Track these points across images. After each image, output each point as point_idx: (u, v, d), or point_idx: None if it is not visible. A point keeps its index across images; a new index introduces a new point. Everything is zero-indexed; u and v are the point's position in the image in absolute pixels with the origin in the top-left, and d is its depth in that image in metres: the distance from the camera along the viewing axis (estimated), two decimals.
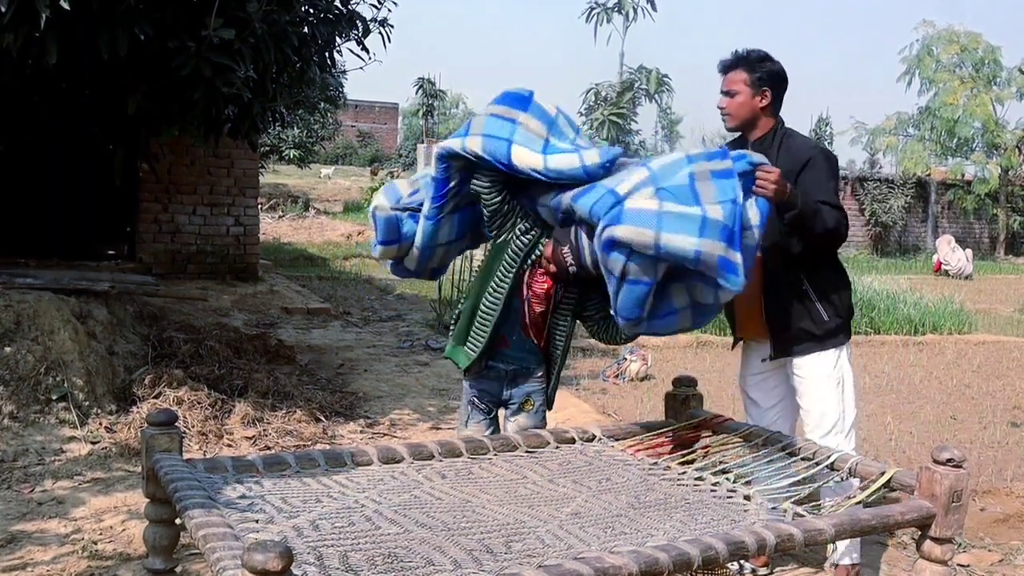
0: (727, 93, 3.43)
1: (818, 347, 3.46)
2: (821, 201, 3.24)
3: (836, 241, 3.38)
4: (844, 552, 3.62)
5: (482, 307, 3.30)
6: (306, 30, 6.00)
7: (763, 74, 3.38)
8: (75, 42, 4.61)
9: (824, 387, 3.49)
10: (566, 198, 2.99)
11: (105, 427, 5.14)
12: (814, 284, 3.43)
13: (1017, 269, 22.45)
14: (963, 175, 25.16)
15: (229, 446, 5.12)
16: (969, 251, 19.86)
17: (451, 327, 3.49)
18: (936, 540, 2.73)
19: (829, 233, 3.29)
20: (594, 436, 3.46)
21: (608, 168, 2.97)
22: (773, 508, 2.77)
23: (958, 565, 4.01)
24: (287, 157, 26.43)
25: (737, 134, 3.58)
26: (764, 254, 3.32)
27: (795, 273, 3.41)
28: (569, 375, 7.91)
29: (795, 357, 3.50)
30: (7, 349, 5.12)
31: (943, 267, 19.22)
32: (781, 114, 3.50)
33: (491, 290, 3.28)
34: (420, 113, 27.57)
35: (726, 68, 3.44)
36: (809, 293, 3.42)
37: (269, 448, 5.11)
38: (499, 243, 3.31)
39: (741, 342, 3.85)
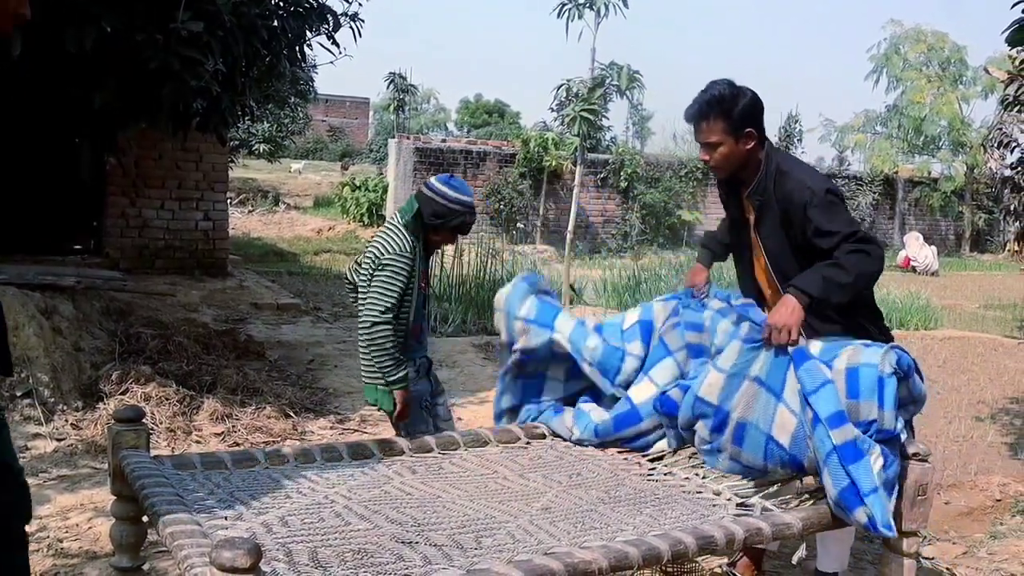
0: (707, 145, 3.10)
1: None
2: (834, 233, 2.98)
3: (873, 277, 3.07)
4: (829, 558, 3.55)
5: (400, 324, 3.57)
6: (276, 24, 5.95)
7: (741, 115, 3.04)
8: (41, 35, 4.55)
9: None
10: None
11: (71, 424, 5.08)
12: (852, 331, 3.16)
13: (982, 266, 22.75)
14: (930, 173, 25.42)
15: (198, 443, 5.08)
16: (935, 248, 20.09)
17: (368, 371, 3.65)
18: (902, 533, 2.76)
19: (862, 278, 3.00)
20: None
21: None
22: (741, 503, 2.79)
23: (923, 558, 4.06)
24: (257, 151, 26.20)
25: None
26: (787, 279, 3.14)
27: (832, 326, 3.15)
28: None
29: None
30: None
31: (911, 263, 19.44)
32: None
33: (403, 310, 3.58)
34: (391, 108, 27.39)
35: (697, 117, 3.09)
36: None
37: (238, 444, 5.08)
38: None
39: None
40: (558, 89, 11.59)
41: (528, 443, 3.34)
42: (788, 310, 2.87)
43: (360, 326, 3.57)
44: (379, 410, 3.80)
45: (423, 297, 3.72)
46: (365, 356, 3.60)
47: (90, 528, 3.89)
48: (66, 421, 5.08)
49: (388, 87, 25.74)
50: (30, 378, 5.10)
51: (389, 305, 3.47)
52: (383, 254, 3.52)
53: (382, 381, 3.56)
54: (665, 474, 3.07)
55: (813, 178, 3.13)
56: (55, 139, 8.40)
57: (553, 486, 2.86)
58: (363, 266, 3.61)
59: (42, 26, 4.50)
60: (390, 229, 3.59)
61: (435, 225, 3.58)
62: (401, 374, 3.53)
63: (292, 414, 5.70)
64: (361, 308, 3.55)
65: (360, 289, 3.59)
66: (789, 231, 3.11)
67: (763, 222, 3.17)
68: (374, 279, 3.51)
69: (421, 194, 3.61)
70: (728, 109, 3.03)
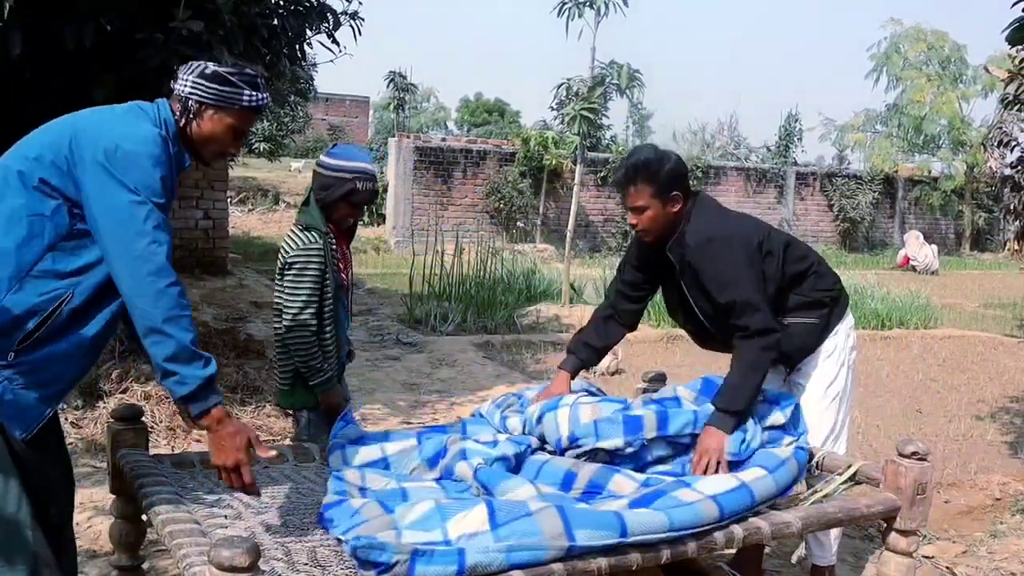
0: (635, 210, 3.14)
1: (816, 343, 3.34)
2: (730, 302, 3.02)
3: (771, 351, 3.06)
4: (824, 551, 3.57)
5: (326, 333, 3.45)
6: (276, 22, 5.94)
7: (667, 179, 3.10)
8: (40, 33, 4.55)
9: (822, 365, 3.39)
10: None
11: (71, 422, 5.08)
12: (794, 315, 3.28)
13: (982, 265, 22.76)
14: (930, 172, 25.40)
15: (198, 441, 5.08)
16: (935, 247, 20.09)
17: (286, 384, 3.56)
18: (901, 532, 2.77)
19: (764, 359, 3.04)
20: None
21: None
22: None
23: (923, 557, 4.06)
24: (257, 150, 26.22)
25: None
26: (721, 328, 3.20)
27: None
28: (540, 369, 7.92)
29: (801, 366, 3.41)
30: None
31: (911, 262, 19.44)
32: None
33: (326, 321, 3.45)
34: (391, 107, 27.38)
35: (624, 183, 3.15)
36: (806, 323, 3.29)
37: None
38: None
39: None
40: (558, 88, 11.58)
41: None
42: (713, 441, 2.89)
43: (276, 332, 3.46)
44: (292, 414, 3.74)
45: (343, 294, 3.56)
46: (282, 360, 3.48)
47: (90, 527, 3.89)
48: (66, 419, 5.08)
49: (388, 86, 25.72)
50: None
51: (301, 305, 3.32)
52: (287, 254, 3.38)
53: (292, 386, 3.48)
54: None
55: (705, 228, 3.13)
56: None
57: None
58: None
59: (41, 24, 4.50)
60: (292, 229, 3.44)
61: (325, 200, 3.38)
62: (324, 377, 3.40)
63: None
64: (276, 315, 3.44)
65: (275, 297, 3.46)
66: (697, 281, 3.16)
67: (684, 274, 3.22)
68: (284, 282, 3.38)
69: (312, 176, 3.47)
70: (654, 173, 3.10)
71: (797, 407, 3.16)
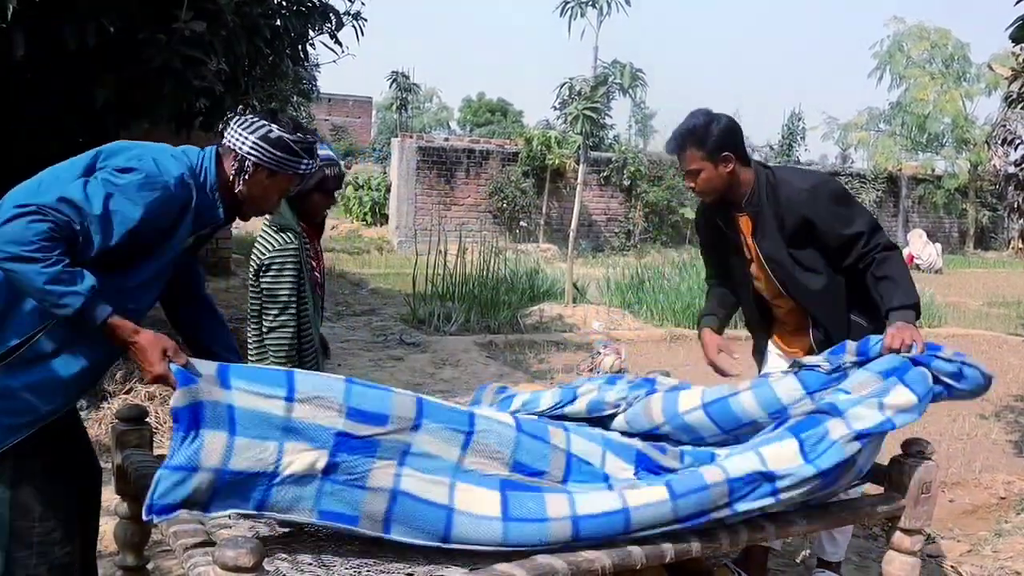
0: (689, 173, 3.25)
1: None
2: (858, 233, 3.12)
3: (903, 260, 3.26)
4: (836, 547, 3.59)
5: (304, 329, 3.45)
6: (278, 23, 5.94)
7: (715, 143, 3.17)
8: (42, 33, 4.55)
9: None
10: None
11: (78, 399, 5.08)
12: (864, 315, 3.31)
13: (986, 263, 22.72)
14: (933, 170, 25.36)
15: None
16: (938, 245, 20.07)
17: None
18: (906, 531, 2.76)
19: (904, 265, 3.21)
20: None
21: None
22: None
23: (927, 556, 4.06)
24: None
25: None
26: (810, 300, 3.29)
27: (844, 310, 3.31)
28: (543, 369, 7.92)
29: None
30: None
31: (915, 261, 19.42)
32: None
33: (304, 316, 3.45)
34: (394, 107, 27.43)
35: (676, 149, 3.24)
36: (861, 324, 3.30)
37: None
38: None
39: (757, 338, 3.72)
40: (561, 87, 11.58)
41: None
42: (907, 329, 2.86)
43: (251, 336, 3.47)
44: None
45: (316, 292, 3.59)
46: (259, 362, 3.47)
47: None
48: (88, 419, 5.07)
49: (391, 86, 25.78)
50: None
51: (282, 306, 3.34)
52: (263, 255, 3.38)
53: None
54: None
55: (807, 179, 3.25)
56: (57, 138, 8.39)
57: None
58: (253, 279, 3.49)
59: (43, 24, 4.50)
60: (265, 230, 3.44)
61: (299, 193, 3.37)
62: None
63: None
64: (252, 317, 3.45)
65: (251, 300, 3.47)
66: (790, 241, 3.22)
67: (760, 232, 3.27)
68: (261, 284, 3.38)
69: None
70: (702, 137, 3.18)
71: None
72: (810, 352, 3.34)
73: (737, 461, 2.39)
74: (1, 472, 2.29)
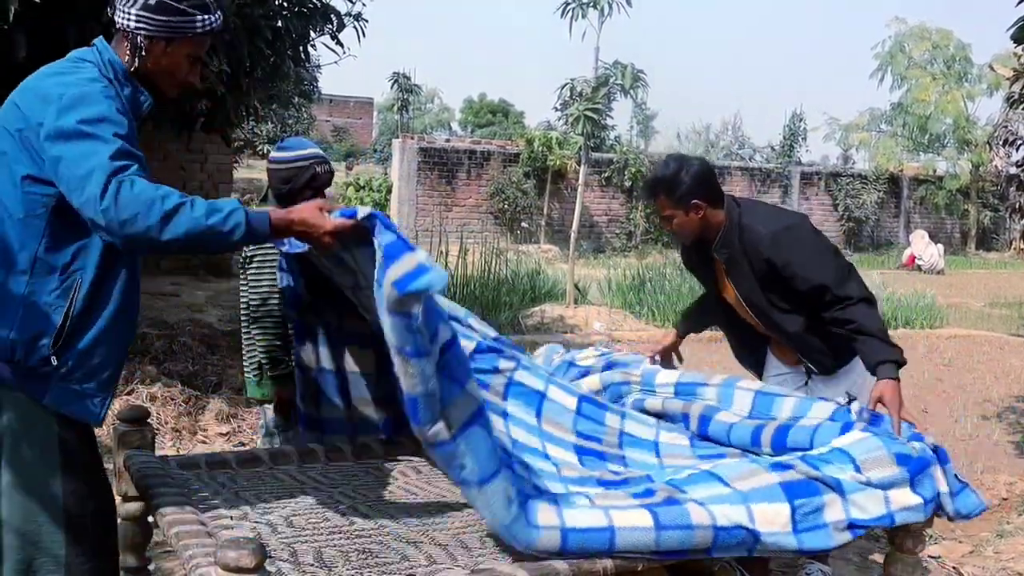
0: (664, 219, 3.36)
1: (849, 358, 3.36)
2: (822, 285, 3.07)
3: (876, 309, 3.18)
4: None
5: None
6: (280, 24, 5.95)
7: (683, 192, 3.22)
8: (43, 34, 4.56)
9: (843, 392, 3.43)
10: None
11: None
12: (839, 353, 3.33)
13: (987, 264, 22.71)
14: (935, 171, 25.34)
15: (203, 443, 5.09)
16: (941, 246, 20.06)
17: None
18: (907, 532, 2.75)
19: (878, 315, 3.14)
20: None
21: None
22: None
23: (929, 556, 4.05)
24: (261, 152, 26.20)
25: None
26: (789, 339, 3.33)
27: (825, 341, 3.29)
28: None
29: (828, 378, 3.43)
30: None
31: (916, 262, 19.42)
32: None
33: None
34: (395, 108, 27.47)
35: (648, 198, 3.36)
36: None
37: (243, 444, 5.08)
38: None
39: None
40: (562, 88, 11.59)
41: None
42: (890, 390, 2.91)
43: (242, 325, 3.54)
44: (258, 404, 3.80)
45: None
46: (249, 353, 3.55)
47: None
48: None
49: (392, 87, 25.80)
50: None
51: (264, 295, 3.40)
52: (246, 250, 3.46)
53: (260, 378, 3.54)
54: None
55: (771, 223, 3.21)
56: None
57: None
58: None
59: (44, 25, 4.51)
60: None
61: (289, 191, 3.44)
62: (283, 370, 3.46)
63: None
64: (243, 310, 3.51)
65: (241, 293, 3.52)
66: (762, 283, 3.24)
67: (733, 273, 3.31)
68: (247, 275, 3.45)
69: (268, 174, 3.54)
70: (671, 186, 3.23)
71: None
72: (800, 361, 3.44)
73: (727, 510, 2.32)
74: (52, 462, 2.29)
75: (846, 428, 2.74)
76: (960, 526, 4.60)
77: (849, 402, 2.94)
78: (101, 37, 2.35)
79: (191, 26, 2.29)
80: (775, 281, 3.18)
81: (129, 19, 2.26)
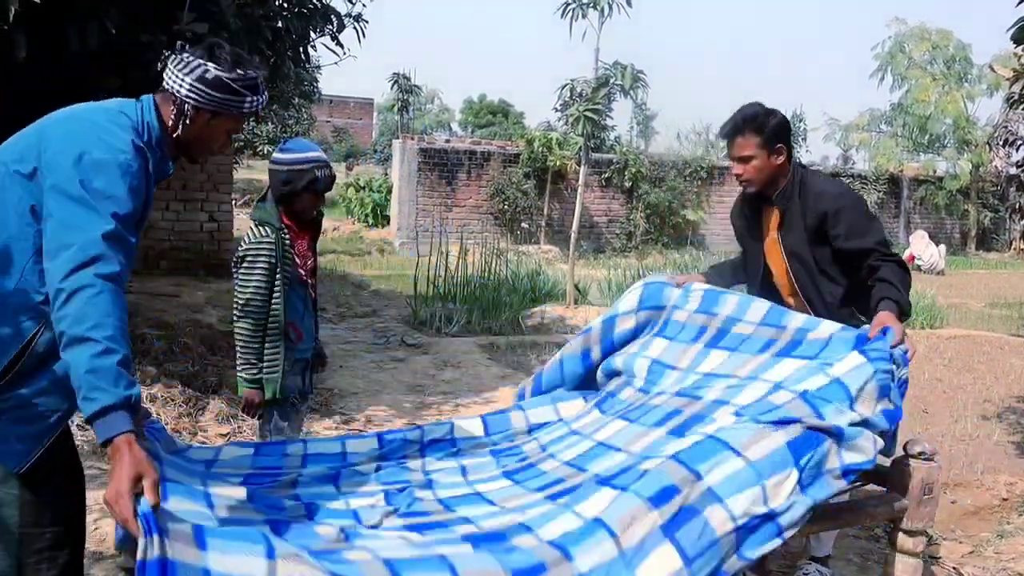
0: (741, 159, 3.31)
1: None
2: (873, 248, 3.17)
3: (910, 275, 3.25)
4: (822, 544, 3.64)
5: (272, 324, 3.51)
6: (280, 24, 5.95)
7: (772, 132, 3.26)
8: (44, 35, 4.56)
9: None
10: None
11: (77, 424, 5.08)
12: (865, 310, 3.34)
13: (987, 264, 22.71)
14: (935, 171, 25.34)
15: (203, 443, 5.08)
16: (942, 247, 20.06)
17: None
18: (908, 532, 2.76)
19: (909, 281, 3.20)
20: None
21: None
22: None
23: (930, 557, 4.05)
24: (261, 152, 26.25)
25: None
26: (814, 299, 3.37)
27: (848, 309, 3.37)
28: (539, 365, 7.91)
29: None
30: None
31: (915, 260, 19.44)
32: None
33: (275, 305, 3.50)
34: (395, 108, 27.46)
35: (732, 134, 3.30)
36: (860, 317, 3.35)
37: None
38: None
39: None
40: (562, 89, 11.59)
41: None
42: (893, 319, 2.92)
43: (234, 324, 3.57)
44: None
45: (304, 290, 3.63)
46: (238, 352, 3.57)
47: (96, 528, 3.89)
48: (71, 422, 5.07)
49: (392, 88, 25.81)
50: None
51: (249, 296, 3.43)
52: (240, 248, 3.49)
53: (251, 375, 3.55)
54: None
55: (834, 186, 3.35)
56: None
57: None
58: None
59: (45, 26, 4.50)
60: (249, 227, 3.53)
61: (289, 193, 3.48)
62: (253, 375, 3.49)
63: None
64: (234, 307, 3.55)
65: (234, 292, 3.55)
66: (811, 237, 3.31)
67: (787, 227, 3.36)
68: (238, 274, 3.49)
69: (269, 174, 3.56)
70: (761, 125, 3.26)
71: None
72: None
73: (742, 500, 2.25)
74: (11, 476, 2.27)
75: (860, 340, 2.81)
76: (960, 526, 4.60)
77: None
78: (152, 97, 2.35)
79: (239, 105, 2.35)
80: (823, 240, 3.26)
81: (181, 86, 2.30)
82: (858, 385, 2.59)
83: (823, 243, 3.28)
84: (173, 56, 2.34)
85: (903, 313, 3.00)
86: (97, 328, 1.98)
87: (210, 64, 2.30)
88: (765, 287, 3.56)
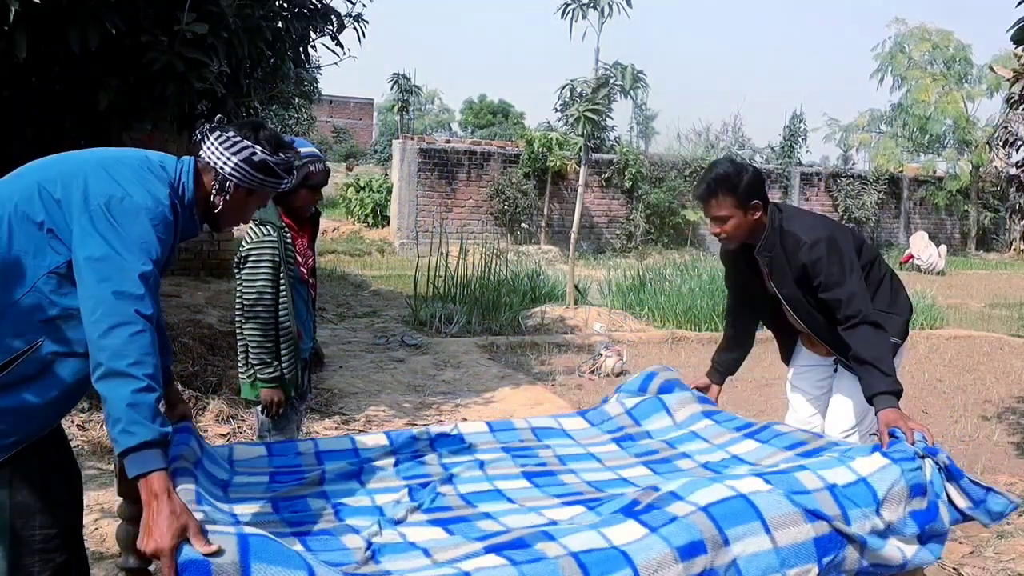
0: (717, 219, 3.31)
1: None
2: (837, 299, 3.16)
3: (882, 329, 3.20)
4: None
5: (283, 325, 3.51)
6: (280, 25, 5.95)
7: (746, 190, 3.25)
8: (45, 36, 4.56)
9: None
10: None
11: (77, 425, 5.09)
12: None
13: (988, 265, 22.72)
14: (935, 171, 25.36)
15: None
16: (943, 248, 20.06)
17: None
18: None
19: (882, 336, 3.17)
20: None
21: None
22: None
23: None
24: None
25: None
26: (823, 334, 3.40)
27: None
28: (545, 370, 7.92)
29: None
30: None
31: (913, 259, 19.47)
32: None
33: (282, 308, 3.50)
34: (395, 109, 27.42)
35: (706, 196, 3.30)
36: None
37: None
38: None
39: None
40: (562, 89, 11.58)
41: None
42: (893, 415, 2.92)
43: (236, 326, 3.56)
44: (249, 406, 3.81)
45: (306, 291, 3.65)
46: (243, 353, 3.58)
47: (96, 529, 3.90)
48: (72, 422, 5.09)
49: (392, 88, 25.76)
50: None
51: (256, 296, 3.43)
52: (242, 248, 3.50)
53: (252, 378, 3.56)
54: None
55: (809, 232, 3.29)
56: (60, 140, 8.41)
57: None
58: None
59: (46, 27, 4.51)
60: (250, 224, 3.52)
61: (286, 190, 3.51)
62: (271, 373, 3.50)
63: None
64: (238, 310, 3.54)
65: (236, 293, 3.55)
66: (800, 283, 3.32)
67: (775, 275, 3.38)
68: (241, 275, 3.49)
69: None
70: (735, 185, 3.25)
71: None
72: (831, 352, 3.51)
73: None
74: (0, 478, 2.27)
75: (876, 448, 2.78)
76: (961, 527, 4.59)
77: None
78: (193, 159, 2.42)
79: (276, 185, 2.49)
80: (810, 285, 3.27)
81: (226, 164, 2.38)
82: (885, 487, 2.55)
83: (812, 288, 3.29)
84: (217, 131, 2.41)
85: (897, 395, 2.99)
86: (138, 365, 2.02)
87: (257, 147, 2.40)
88: (775, 321, 3.67)
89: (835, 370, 3.63)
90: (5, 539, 2.27)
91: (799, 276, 3.28)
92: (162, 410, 2.06)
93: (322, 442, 3.01)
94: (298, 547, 2.08)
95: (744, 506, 2.32)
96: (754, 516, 2.31)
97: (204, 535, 1.92)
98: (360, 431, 5.56)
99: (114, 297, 2.06)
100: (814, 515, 2.38)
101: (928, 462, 2.71)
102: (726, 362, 3.78)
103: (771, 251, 3.32)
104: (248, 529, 2.00)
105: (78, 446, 4.83)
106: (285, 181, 2.49)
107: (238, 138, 2.40)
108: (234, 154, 2.38)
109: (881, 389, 3.00)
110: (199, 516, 2.01)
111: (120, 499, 2.77)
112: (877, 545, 2.46)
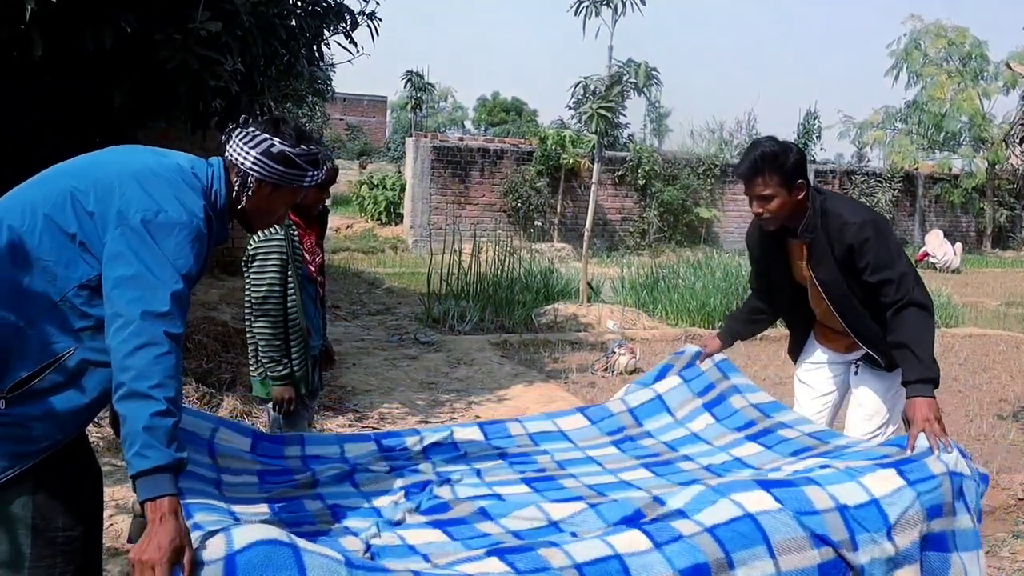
0: (762, 198, 3.25)
1: None
2: (888, 280, 3.13)
3: (930, 313, 3.18)
4: None
5: (291, 322, 3.53)
6: (294, 23, 5.96)
7: (792, 169, 3.21)
8: (60, 34, 4.58)
9: (890, 391, 3.47)
10: None
11: (92, 421, 5.11)
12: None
13: (1004, 263, 22.58)
14: (950, 169, 25.20)
15: None
16: (959, 245, 19.95)
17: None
18: None
19: (929, 320, 3.14)
20: None
21: None
22: None
23: None
24: None
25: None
26: (857, 325, 3.35)
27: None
28: (558, 368, 7.92)
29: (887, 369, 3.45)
30: None
31: (928, 258, 19.37)
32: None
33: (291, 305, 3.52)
34: (408, 107, 27.47)
35: (751, 173, 3.24)
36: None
37: None
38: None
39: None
40: (575, 87, 11.56)
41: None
42: (926, 409, 2.90)
43: (246, 324, 3.59)
44: (261, 403, 3.83)
45: (314, 289, 3.66)
46: (253, 351, 3.59)
47: (111, 524, 3.92)
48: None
49: (405, 85, 25.81)
50: None
51: (265, 294, 3.45)
52: (250, 246, 3.51)
53: (264, 376, 3.58)
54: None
55: (856, 214, 3.27)
56: (74, 139, 8.44)
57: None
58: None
59: (61, 26, 4.53)
60: None
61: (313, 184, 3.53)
62: (281, 371, 3.51)
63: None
64: (246, 307, 3.57)
65: (245, 290, 3.57)
66: (842, 267, 3.27)
67: (815, 258, 3.33)
68: (250, 273, 3.51)
69: None
70: (781, 164, 3.20)
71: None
72: (852, 348, 3.48)
73: None
74: (24, 479, 2.26)
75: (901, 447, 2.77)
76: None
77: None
78: (221, 161, 2.41)
79: (300, 180, 2.42)
80: (853, 268, 3.23)
81: (246, 159, 2.36)
82: (898, 512, 2.48)
83: (854, 272, 3.25)
84: (238, 129, 2.40)
85: (935, 383, 2.96)
86: (160, 388, 2.01)
87: (275, 139, 2.37)
88: (793, 312, 3.61)
89: (855, 372, 3.56)
90: (28, 538, 2.27)
91: (843, 257, 3.23)
92: (177, 436, 2.05)
93: (310, 445, 2.97)
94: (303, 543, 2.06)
95: (751, 528, 2.28)
96: (760, 540, 2.27)
97: (194, 569, 1.91)
98: (360, 431, 5.57)
99: (142, 317, 2.05)
100: (821, 540, 2.34)
101: (946, 479, 2.65)
102: (735, 329, 3.74)
103: (812, 232, 3.28)
104: (239, 542, 1.96)
105: (93, 442, 4.85)
106: (310, 173, 2.43)
107: (256, 132, 2.39)
108: (253, 148, 2.36)
109: (916, 376, 2.98)
110: (195, 536, 2.00)
111: (134, 495, 2.79)
112: (881, 574, 2.41)
